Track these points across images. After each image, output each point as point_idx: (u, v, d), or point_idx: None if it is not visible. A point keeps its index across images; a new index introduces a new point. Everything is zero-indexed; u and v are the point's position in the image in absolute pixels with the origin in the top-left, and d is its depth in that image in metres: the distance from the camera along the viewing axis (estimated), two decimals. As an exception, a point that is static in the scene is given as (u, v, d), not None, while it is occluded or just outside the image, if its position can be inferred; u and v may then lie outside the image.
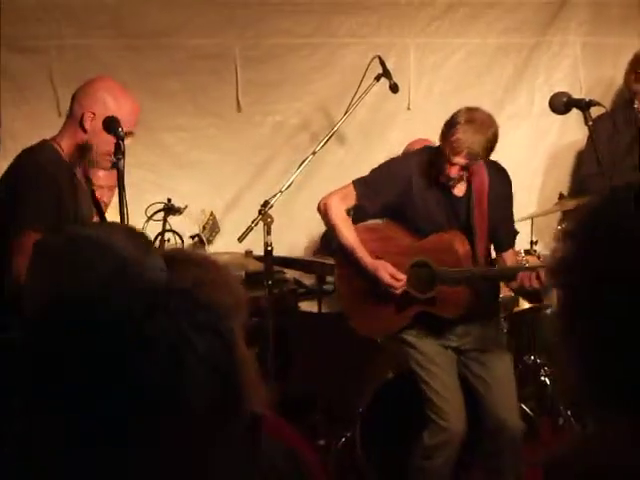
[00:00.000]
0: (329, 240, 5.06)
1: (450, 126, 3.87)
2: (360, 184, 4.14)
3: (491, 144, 3.87)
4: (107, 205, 4.64)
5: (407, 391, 4.32)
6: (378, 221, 4.30)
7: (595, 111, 4.07)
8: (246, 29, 5.30)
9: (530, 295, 4.60)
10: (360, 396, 4.59)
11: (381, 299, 4.17)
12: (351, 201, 4.15)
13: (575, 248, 1.31)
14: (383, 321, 4.24)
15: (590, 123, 3.69)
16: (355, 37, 5.45)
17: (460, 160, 3.84)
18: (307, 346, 5.20)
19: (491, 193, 4.13)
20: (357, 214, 4.25)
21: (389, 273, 4.06)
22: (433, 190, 4.08)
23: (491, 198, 4.12)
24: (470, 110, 3.92)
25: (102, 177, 4.55)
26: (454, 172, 3.90)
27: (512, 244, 4.29)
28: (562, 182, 5.47)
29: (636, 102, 5.03)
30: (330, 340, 4.97)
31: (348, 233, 4.15)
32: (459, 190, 4.11)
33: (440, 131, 3.94)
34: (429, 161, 4.08)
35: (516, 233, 4.33)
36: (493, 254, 4.27)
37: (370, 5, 5.44)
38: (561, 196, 5.09)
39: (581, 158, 5.38)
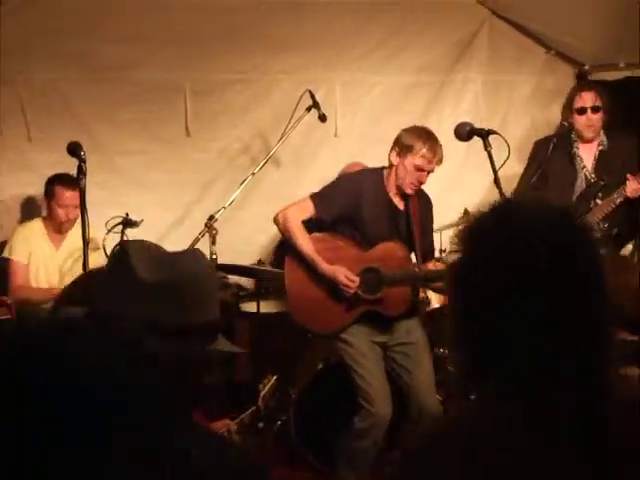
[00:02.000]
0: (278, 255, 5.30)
1: (418, 140, 4.19)
2: (317, 197, 4.29)
3: None
4: (73, 220, 4.93)
5: (334, 380, 4.58)
6: (323, 234, 4.40)
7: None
8: (195, 66, 5.39)
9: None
10: (294, 385, 4.80)
11: (331, 300, 4.33)
12: (308, 213, 4.29)
13: (459, 247, 1.54)
14: (332, 320, 4.37)
15: (489, 149, 3.76)
16: (288, 73, 5.58)
17: (433, 167, 4.19)
18: (247, 341, 5.33)
19: (421, 210, 4.40)
20: (310, 225, 4.37)
21: (345, 276, 4.23)
22: (380, 204, 4.31)
23: (421, 214, 4.40)
24: (423, 128, 4.33)
25: (68, 197, 4.84)
26: (424, 179, 4.23)
27: (432, 256, 4.57)
28: (466, 199, 5.57)
29: (573, 133, 5.23)
30: (268, 336, 5.16)
31: (305, 242, 4.28)
32: (400, 204, 4.35)
33: (393, 151, 4.22)
34: (379, 179, 4.32)
35: (434, 248, 4.63)
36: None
37: (301, 46, 5.59)
38: (465, 211, 5.35)
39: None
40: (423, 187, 4.42)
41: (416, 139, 4.22)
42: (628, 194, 4.96)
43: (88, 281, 2.16)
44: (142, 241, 1.92)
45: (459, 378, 1.55)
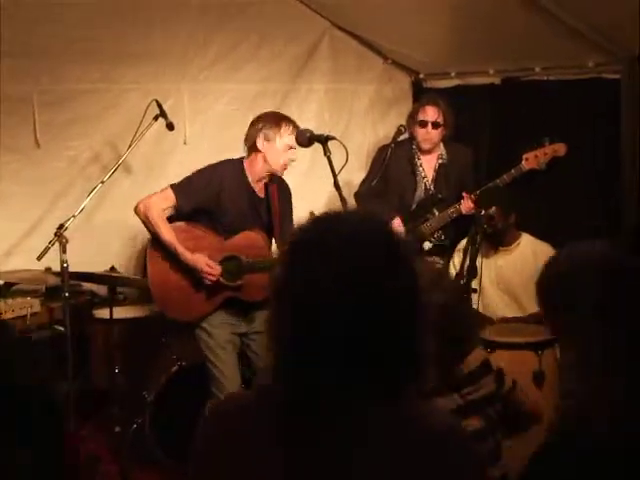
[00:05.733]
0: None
1: (281, 122, 4.32)
2: (177, 187, 4.32)
3: None
4: None
5: (188, 381, 4.65)
6: (183, 223, 4.41)
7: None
8: (42, 76, 5.25)
9: None
10: (149, 388, 4.78)
11: (194, 289, 4.35)
12: (169, 203, 4.31)
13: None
14: (195, 307, 4.39)
15: (328, 154, 3.78)
16: (138, 83, 5.49)
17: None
18: (102, 347, 5.25)
19: (280, 197, 4.48)
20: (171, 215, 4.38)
21: (207, 264, 4.27)
22: (241, 192, 4.36)
23: (280, 201, 4.48)
24: (274, 111, 4.48)
25: None
26: (295, 156, 4.35)
27: None
28: (312, 202, 5.45)
29: (414, 143, 5.41)
30: (121, 341, 5.09)
31: (167, 231, 4.29)
32: (261, 192, 4.43)
33: (258, 139, 4.30)
34: (239, 168, 4.37)
35: None
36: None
37: (149, 56, 5.51)
38: (311, 214, 5.47)
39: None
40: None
41: (279, 121, 4.34)
42: (463, 211, 5.17)
43: None
44: None
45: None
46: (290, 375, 1.54)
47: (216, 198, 4.35)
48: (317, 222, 1.64)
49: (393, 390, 1.52)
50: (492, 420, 2.76)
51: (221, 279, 4.32)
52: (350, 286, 1.50)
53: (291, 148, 4.34)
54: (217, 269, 4.30)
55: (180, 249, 4.29)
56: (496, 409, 2.81)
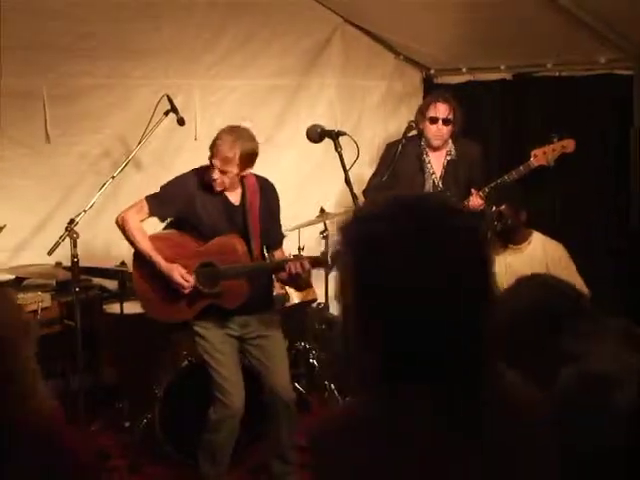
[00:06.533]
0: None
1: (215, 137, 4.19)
2: (151, 199, 4.30)
3: (246, 155, 4.16)
4: None
5: (198, 377, 4.54)
6: (168, 231, 4.42)
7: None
8: (51, 71, 5.23)
9: (296, 285, 4.77)
10: (158, 383, 4.77)
11: (174, 295, 4.31)
12: (144, 214, 4.29)
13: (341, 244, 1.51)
14: (176, 314, 4.36)
15: (339, 150, 3.82)
16: (148, 78, 5.50)
17: (219, 165, 4.14)
18: (112, 343, 5.25)
19: (262, 202, 4.38)
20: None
21: (180, 275, 4.23)
22: (214, 200, 4.29)
23: (262, 206, 4.37)
24: (229, 127, 4.27)
25: None
26: (215, 176, 4.16)
27: (280, 244, 4.52)
28: (323, 198, 5.70)
29: (423, 140, 5.32)
30: (131, 337, 5.05)
31: (144, 241, 4.28)
32: (235, 199, 4.34)
33: None
34: (207, 175, 4.27)
35: (283, 236, 4.59)
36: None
37: (158, 51, 5.52)
38: (322, 210, 5.47)
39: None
40: (272, 181, 4.49)
41: (217, 136, 4.24)
42: (471, 208, 5.09)
43: None
44: None
45: (358, 377, 1.53)
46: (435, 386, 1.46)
47: (189, 206, 4.30)
48: (386, 210, 1.49)
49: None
50: None
51: (199, 287, 4.29)
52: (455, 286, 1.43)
53: (212, 167, 4.21)
54: (190, 280, 4.27)
55: (155, 258, 4.28)
56: None
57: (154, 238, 4.37)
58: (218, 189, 4.27)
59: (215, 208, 4.32)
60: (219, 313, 4.35)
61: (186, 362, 4.77)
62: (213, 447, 4.34)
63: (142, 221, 4.33)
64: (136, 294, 4.50)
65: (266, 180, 4.48)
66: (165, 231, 4.45)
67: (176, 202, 4.30)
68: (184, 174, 4.41)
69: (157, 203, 4.31)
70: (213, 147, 4.19)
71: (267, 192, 4.48)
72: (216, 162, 4.18)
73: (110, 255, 5.34)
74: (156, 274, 4.31)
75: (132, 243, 4.33)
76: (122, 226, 4.31)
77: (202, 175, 4.31)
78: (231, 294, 4.31)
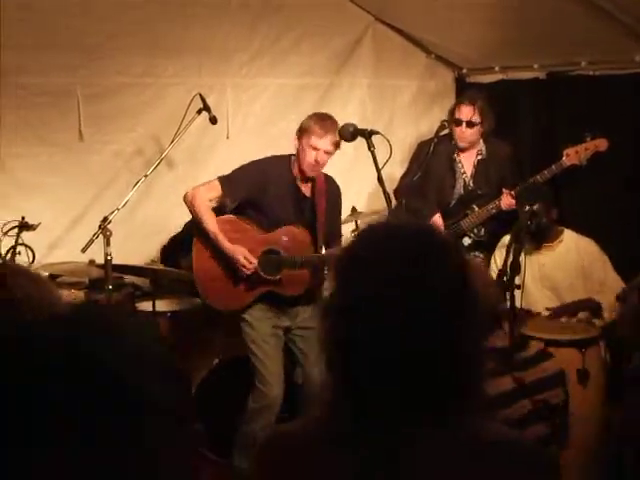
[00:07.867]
0: (167, 254, 5.34)
1: (310, 120, 4.32)
2: (224, 179, 4.36)
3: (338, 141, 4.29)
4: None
5: (230, 374, 4.66)
6: (234, 216, 4.45)
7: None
8: (86, 70, 5.23)
9: None
10: (193, 378, 4.76)
11: (234, 279, 4.38)
12: (215, 193, 4.35)
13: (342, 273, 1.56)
14: (234, 297, 4.42)
15: (372, 149, 3.87)
16: (180, 77, 5.50)
17: (329, 147, 4.28)
18: None
19: (329, 197, 4.47)
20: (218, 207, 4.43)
21: (244, 256, 4.30)
22: (286, 189, 4.38)
23: (329, 201, 4.47)
24: (321, 112, 4.44)
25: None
26: (321, 158, 4.29)
27: (338, 242, 4.54)
28: (354, 197, 5.63)
29: (453, 140, 5.32)
30: (163, 334, 4.94)
31: (210, 220, 4.34)
32: (306, 191, 4.43)
33: (295, 136, 4.34)
34: (286, 165, 4.38)
35: (342, 234, 4.65)
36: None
37: (189, 50, 5.52)
38: (353, 209, 5.44)
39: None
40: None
41: (310, 120, 4.34)
42: (502, 207, 5.12)
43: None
44: None
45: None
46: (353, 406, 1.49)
47: (261, 192, 4.36)
48: (373, 239, 1.56)
49: (442, 410, 1.46)
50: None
51: (260, 272, 4.33)
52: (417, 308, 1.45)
53: (315, 149, 4.29)
54: (254, 262, 4.32)
55: (220, 238, 4.33)
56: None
57: (220, 220, 4.40)
58: (313, 173, 4.35)
59: (286, 197, 4.40)
60: (274, 302, 4.41)
61: (217, 360, 4.78)
62: (249, 439, 4.35)
63: (211, 201, 4.36)
64: (194, 276, 4.52)
65: (332, 177, 4.57)
66: (229, 216, 4.48)
67: (250, 185, 4.35)
68: (259, 160, 4.48)
69: (230, 184, 4.36)
70: (315, 129, 4.26)
71: (333, 189, 4.57)
72: (323, 143, 4.25)
73: (143, 253, 5.36)
74: (218, 256, 4.36)
75: (198, 221, 4.37)
76: (190, 202, 4.36)
77: (276, 163, 4.40)
78: (292, 283, 4.39)
